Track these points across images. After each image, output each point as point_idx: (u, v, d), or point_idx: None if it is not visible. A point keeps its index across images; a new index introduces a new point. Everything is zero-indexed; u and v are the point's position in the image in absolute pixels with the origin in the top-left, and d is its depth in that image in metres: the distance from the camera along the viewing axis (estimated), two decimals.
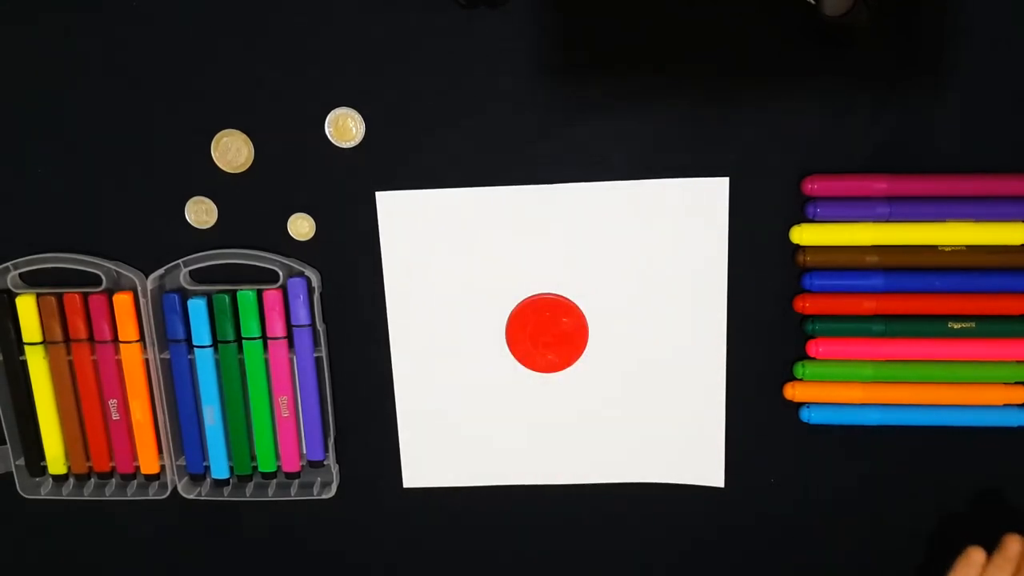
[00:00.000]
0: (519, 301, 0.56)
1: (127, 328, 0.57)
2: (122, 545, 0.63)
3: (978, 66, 0.51)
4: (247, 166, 0.55)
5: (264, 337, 0.57)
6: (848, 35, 0.50)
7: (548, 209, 0.54)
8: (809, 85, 0.52)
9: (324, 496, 0.60)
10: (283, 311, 0.56)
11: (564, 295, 0.56)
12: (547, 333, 0.56)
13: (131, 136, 0.55)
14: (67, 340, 0.57)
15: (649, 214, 0.54)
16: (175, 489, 0.60)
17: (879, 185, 0.52)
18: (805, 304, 0.54)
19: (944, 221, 0.52)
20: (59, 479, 0.60)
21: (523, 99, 0.53)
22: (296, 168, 0.55)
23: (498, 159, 0.54)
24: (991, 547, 0.58)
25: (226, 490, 0.60)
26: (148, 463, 0.60)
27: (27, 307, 0.56)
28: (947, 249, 0.53)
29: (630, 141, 0.53)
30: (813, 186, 0.52)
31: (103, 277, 0.57)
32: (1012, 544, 0.52)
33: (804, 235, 0.53)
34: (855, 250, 0.53)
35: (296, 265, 0.56)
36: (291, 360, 0.57)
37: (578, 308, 0.56)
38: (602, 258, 0.55)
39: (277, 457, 0.60)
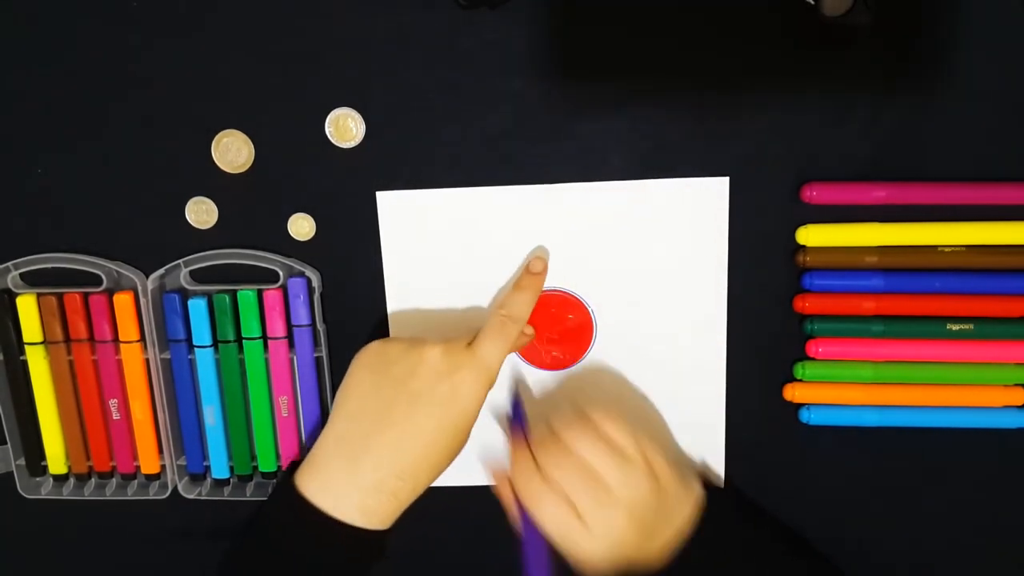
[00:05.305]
0: None
1: (127, 328, 0.57)
2: (122, 545, 0.63)
3: (979, 65, 0.51)
4: (247, 166, 0.55)
5: (264, 337, 0.57)
6: (848, 35, 0.50)
7: (548, 209, 0.54)
8: (809, 85, 0.52)
9: None
10: (283, 311, 0.56)
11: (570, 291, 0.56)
12: (552, 330, 0.56)
13: (131, 136, 0.55)
14: (67, 340, 0.57)
15: (649, 214, 0.54)
16: (175, 489, 0.60)
17: (878, 193, 0.52)
18: (805, 304, 0.54)
19: (944, 221, 0.52)
20: (59, 479, 0.60)
21: (523, 99, 0.53)
22: (296, 168, 0.55)
23: (498, 159, 0.54)
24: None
25: (226, 490, 0.60)
26: (148, 463, 0.60)
27: (27, 307, 0.56)
28: (947, 249, 0.53)
29: (630, 141, 0.53)
30: (812, 193, 0.52)
31: (103, 277, 0.57)
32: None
33: (810, 236, 0.53)
34: (855, 250, 0.53)
35: (296, 265, 0.56)
36: (291, 360, 0.57)
37: (584, 304, 0.56)
38: (601, 259, 0.55)
39: (277, 457, 0.60)
